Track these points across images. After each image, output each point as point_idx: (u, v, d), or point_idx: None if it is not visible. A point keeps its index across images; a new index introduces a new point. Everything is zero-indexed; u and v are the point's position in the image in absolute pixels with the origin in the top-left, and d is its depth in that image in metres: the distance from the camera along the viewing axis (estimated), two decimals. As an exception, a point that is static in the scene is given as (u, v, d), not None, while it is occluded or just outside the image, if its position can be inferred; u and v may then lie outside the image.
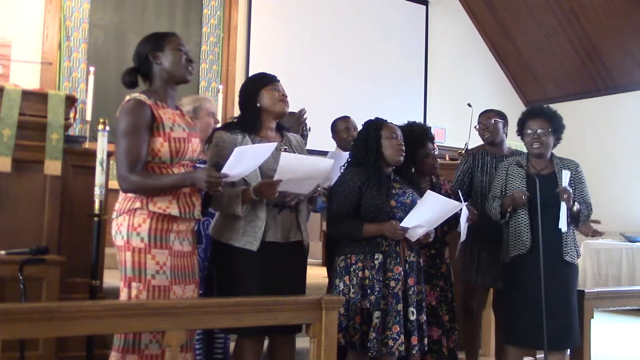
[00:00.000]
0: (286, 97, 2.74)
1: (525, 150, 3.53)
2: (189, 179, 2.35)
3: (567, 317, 3.16)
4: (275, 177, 2.51)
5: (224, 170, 2.35)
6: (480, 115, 3.95)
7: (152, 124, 2.38)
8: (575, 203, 3.19)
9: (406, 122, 3.36)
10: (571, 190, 3.17)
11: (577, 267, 3.28)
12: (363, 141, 2.98)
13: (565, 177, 3.16)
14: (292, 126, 3.23)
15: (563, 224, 3.14)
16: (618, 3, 7.69)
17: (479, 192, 3.69)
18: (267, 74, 2.79)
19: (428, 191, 2.84)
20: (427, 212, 2.77)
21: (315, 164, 2.62)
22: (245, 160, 2.39)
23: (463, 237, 3.16)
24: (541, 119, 3.31)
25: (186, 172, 2.40)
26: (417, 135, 3.28)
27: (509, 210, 3.28)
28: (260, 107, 2.71)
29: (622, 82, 8.30)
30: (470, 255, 3.66)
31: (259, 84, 2.74)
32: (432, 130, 3.42)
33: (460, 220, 3.10)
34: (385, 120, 3.03)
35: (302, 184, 2.62)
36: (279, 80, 2.77)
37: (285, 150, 2.72)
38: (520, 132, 3.39)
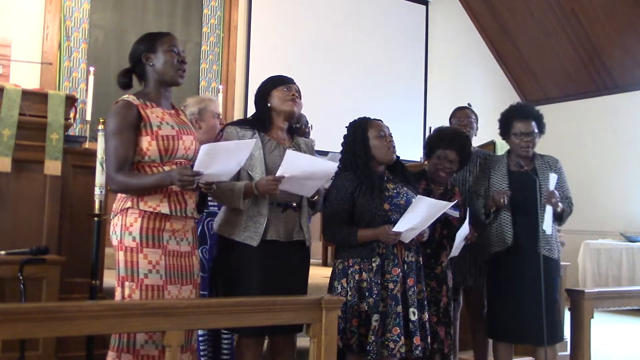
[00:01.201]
0: (297, 97, 2.77)
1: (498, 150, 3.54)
2: (167, 178, 2.35)
3: (548, 313, 3.16)
4: (279, 173, 2.53)
5: (195, 167, 2.34)
6: (457, 111, 3.97)
7: (139, 124, 2.39)
8: (559, 204, 3.21)
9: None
10: (558, 195, 3.18)
11: (557, 262, 3.30)
12: (350, 144, 2.93)
13: (553, 180, 3.16)
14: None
15: (548, 227, 3.16)
16: (618, 3, 7.68)
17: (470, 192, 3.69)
18: (283, 76, 2.82)
19: (418, 196, 2.81)
20: (419, 216, 2.76)
21: (320, 164, 2.64)
22: (220, 157, 2.36)
23: (455, 253, 3.16)
24: (530, 120, 3.32)
25: (166, 171, 2.39)
26: (440, 136, 3.29)
27: (492, 210, 3.30)
28: (270, 107, 2.74)
29: (622, 82, 8.29)
30: (464, 259, 3.65)
31: (272, 85, 2.77)
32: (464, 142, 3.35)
33: (457, 235, 3.10)
34: (370, 118, 2.99)
35: (304, 185, 2.63)
36: (294, 82, 2.81)
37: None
38: (506, 131, 3.38)
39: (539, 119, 3.36)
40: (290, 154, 2.55)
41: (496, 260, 3.35)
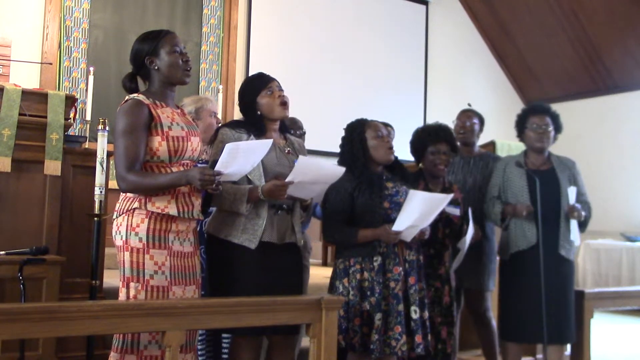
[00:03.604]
0: (284, 97, 2.72)
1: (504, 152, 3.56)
2: (184, 178, 2.34)
3: (564, 313, 3.19)
4: (289, 179, 2.52)
5: (217, 167, 2.34)
6: (461, 113, 3.99)
7: (150, 123, 2.38)
8: (582, 212, 3.25)
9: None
10: (580, 207, 3.22)
11: (573, 264, 3.33)
12: (348, 145, 2.94)
13: (572, 193, 3.21)
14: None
15: (576, 238, 3.25)
16: (618, 3, 7.68)
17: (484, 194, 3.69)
18: (260, 77, 2.77)
19: (411, 190, 2.81)
20: (416, 212, 2.75)
21: (328, 169, 2.65)
22: (239, 157, 2.37)
23: (463, 253, 3.18)
24: (544, 115, 3.38)
25: (182, 171, 2.39)
26: (427, 133, 3.31)
27: (508, 218, 3.32)
28: (261, 114, 2.72)
29: (622, 82, 8.29)
30: (472, 261, 3.65)
31: (255, 90, 2.72)
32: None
33: (466, 237, 3.12)
34: (367, 119, 3.00)
35: (308, 189, 2.63)
36: (273, 79, 2.75)
37: (288, 153, 2.75)
38: (521, 128, 3.41)
39: (554, 117, 3.40)
40: (301, 160, 2.54)
41: (514, 260, 3.34)
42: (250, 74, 6.82)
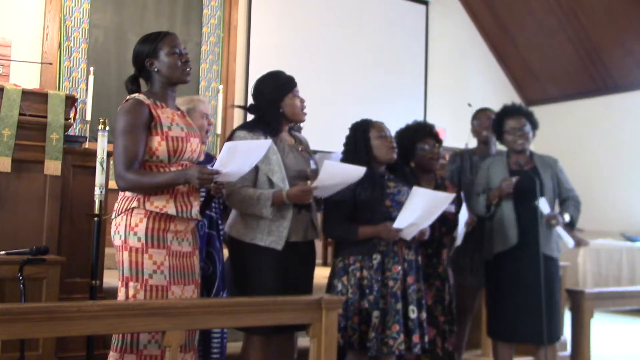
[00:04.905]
0: (304, 102, 2.81)
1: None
2: (182, 177, 2.35)
3: (550, 312, 3.20)
4: (316, 183, 2.59)
5: (216, 166, 2.35)
6: (479, 112, 3.97)
7: (150, 123, 2.39)
8: (565, 215, 3.25)
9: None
10: (557, 215, 3.26)
11: (556, 261, 3.34)
12: (352, 144, 2.98)
13: (544, 204, 3.21)
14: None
15: (569, 241, 3.29)
16: (618, 3, 7.68)
17: (471, 192, 3.69)
18: (288, 79, 2.82)
19: (414, 187, 2.82)
20: (418, 209, 2.76)
21: (351, 170, 2.70)
22: (238, 156, 2.38)
23: (459, 242, 3.17)
24: (520, 116, 3.39)
25: (180, 170, 2.39)
26: (413, 131, 3.31)
27: (493, 203, 3.32)
28: (282, 112, 2.75)
29: (622, 82, 8.29)
30: (464, 256, 3.65)
31: (283, 90, 2.77)
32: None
33: (459, 223, 3.11)
34: (371, 119, 3.02)
35: (330, 189, 2.70)
36: (296, 84, 2.83)
37: (302, 150, 2.82)
38: (499, 131, 3.44)
39: (529, 116, 3.42)
40: (327, 165, 2.59)
41: (497, 259, 3.36)
42: (250, 74, 6.90)
